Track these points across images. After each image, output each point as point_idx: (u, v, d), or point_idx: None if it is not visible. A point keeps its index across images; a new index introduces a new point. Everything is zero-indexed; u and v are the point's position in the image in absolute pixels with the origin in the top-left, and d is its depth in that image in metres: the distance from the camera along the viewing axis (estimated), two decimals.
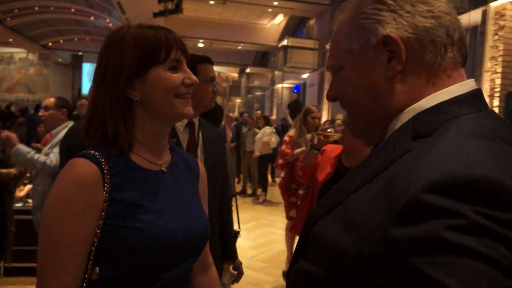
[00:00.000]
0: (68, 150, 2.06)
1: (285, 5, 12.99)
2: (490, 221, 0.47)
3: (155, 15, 11.54)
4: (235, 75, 22.92)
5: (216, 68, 1.90)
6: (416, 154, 0.57)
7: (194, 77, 0.98)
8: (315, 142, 2.31)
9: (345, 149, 2.29)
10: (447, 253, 0.47)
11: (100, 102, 0.95)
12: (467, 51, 0.69)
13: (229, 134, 7.28)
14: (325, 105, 11.23)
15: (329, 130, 2.26)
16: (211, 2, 13.42)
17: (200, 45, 17.22)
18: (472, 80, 0.67)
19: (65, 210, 0.86)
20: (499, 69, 5.64)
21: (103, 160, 0.91)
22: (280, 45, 13.68)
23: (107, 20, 19.87)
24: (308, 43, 12.86)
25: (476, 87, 0.67)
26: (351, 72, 0.70)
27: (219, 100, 14.65)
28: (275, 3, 12.81)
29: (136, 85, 0.94)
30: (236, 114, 14.58)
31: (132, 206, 0.91)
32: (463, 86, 0.66)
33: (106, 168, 0.90)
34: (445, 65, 0.65)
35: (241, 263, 1.98)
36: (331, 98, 0.76)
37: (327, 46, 11.97)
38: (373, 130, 0.72)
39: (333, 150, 2.40)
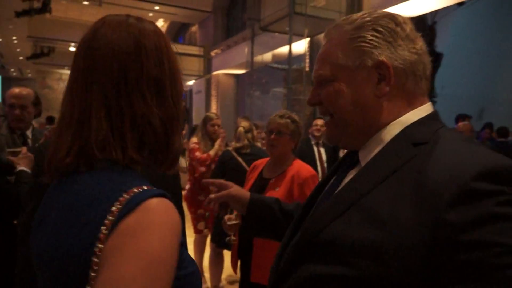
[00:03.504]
0: None
1: (166, 10, 12.70)
2: None
3: (18, 14, 10.23)
4: None
5: None
6: (429, 157, 0.70)
7: None
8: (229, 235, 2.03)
9: (274, 159, 2.37)
10: (501, 222, 0.60)
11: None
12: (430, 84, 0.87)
13: None
14: (214, 111, 11.27)
15: (228, 222, 1.98)
16: (85, 3, 12.42)
17: (72, 49, 15.77)
18: (430, 103, 0.83)
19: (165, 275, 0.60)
20: None
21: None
22: None
23: None
24: (193, 49, 12.78)
25: (433, 109, 0.83)
26: (344, 86, 0.80)
27: None
28: (156, 8, 12.44)
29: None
30: None
31: (183, 245, 0.68)
32: (428, 107, 0.82)
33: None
34: (418, 92, 0.81)
35: None
36: (311, 103, 0.86)
37: (212, 53, 12.07)
38: (357, 138, 0.83)
39: (261, 164, 2.51)
